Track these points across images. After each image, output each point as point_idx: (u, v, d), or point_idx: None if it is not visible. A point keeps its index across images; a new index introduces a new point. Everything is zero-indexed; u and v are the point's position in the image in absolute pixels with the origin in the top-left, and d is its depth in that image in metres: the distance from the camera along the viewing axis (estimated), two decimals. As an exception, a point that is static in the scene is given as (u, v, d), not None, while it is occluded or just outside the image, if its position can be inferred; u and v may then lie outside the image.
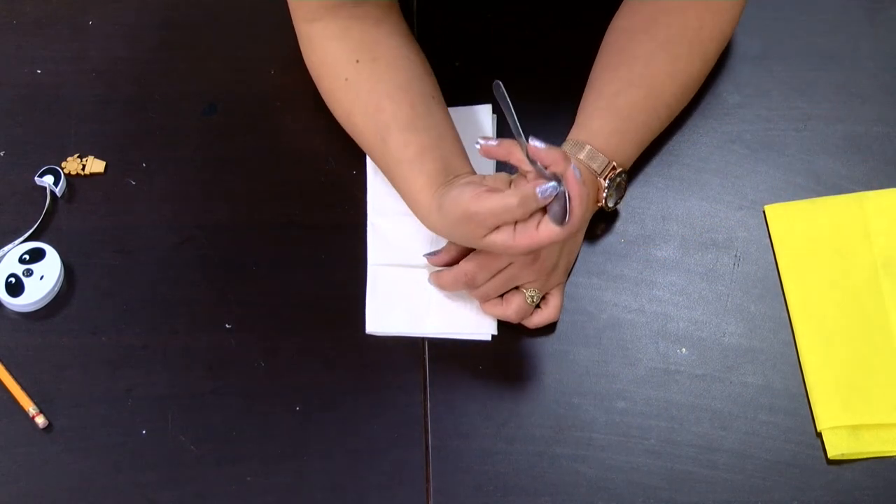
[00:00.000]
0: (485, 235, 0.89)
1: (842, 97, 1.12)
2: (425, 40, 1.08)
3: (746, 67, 1.13)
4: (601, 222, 1.05)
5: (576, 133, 1.02)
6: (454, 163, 0.98)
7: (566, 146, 1.01)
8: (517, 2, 1.16)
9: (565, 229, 0.87)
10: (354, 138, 1.04)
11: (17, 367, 0.99)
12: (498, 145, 0.90)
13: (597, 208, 1.03)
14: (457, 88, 1.08)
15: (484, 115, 1.10)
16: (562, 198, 0.87)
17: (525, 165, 0.89)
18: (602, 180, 1.00)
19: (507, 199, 0.87)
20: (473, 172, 0.99)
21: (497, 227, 0.89)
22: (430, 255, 1.00)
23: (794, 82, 1.13)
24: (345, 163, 1.08)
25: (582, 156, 1.00)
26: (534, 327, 1.00)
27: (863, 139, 1.10)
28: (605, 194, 1.01)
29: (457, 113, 1.08)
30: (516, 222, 0.88)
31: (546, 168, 0.87)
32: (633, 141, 1.04)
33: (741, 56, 1.14)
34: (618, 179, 1.01)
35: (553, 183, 0.86)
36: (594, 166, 1.00)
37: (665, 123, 1.07)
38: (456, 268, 0.98)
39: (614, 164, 1.01)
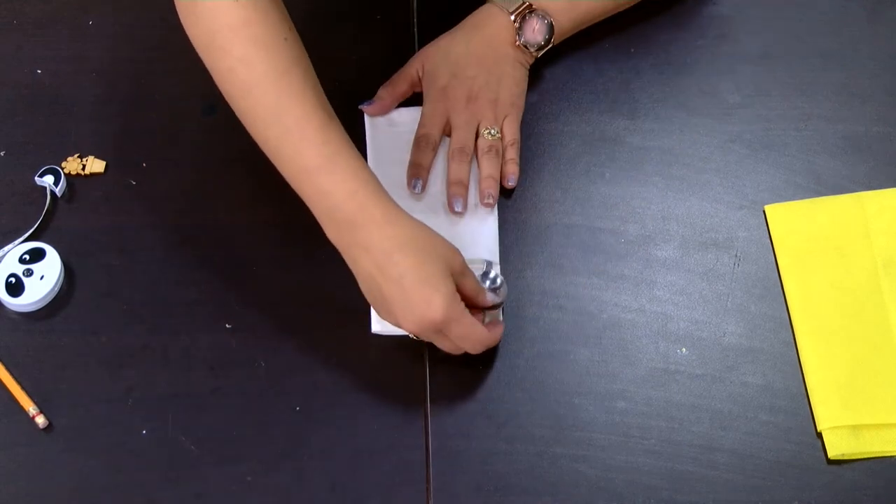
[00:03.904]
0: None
1: (842, 97, 1.12)
2: (425, 40, 1.08)
3: (746, 67, 1.13)
4: (602, 218, 1.05)
5: None
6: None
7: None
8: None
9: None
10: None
11: (17, 367, 0.99)
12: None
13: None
14: (457, 88, 1.08)
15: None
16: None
17: None
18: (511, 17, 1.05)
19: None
20: None
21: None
22: (365, 105, 1.05)
23: (794, 82, 1.13)
24: (345, 163, 1.08)
25: None
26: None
27: (863, 139, 1.10)
28: (517, 27, 1.05)
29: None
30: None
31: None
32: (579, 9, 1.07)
33: (741, 56, 1.14)
34: (528, 14, 1.05)
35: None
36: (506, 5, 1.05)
37: (611, 12, 1.10)
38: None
39: (530, 2, 1.05)
